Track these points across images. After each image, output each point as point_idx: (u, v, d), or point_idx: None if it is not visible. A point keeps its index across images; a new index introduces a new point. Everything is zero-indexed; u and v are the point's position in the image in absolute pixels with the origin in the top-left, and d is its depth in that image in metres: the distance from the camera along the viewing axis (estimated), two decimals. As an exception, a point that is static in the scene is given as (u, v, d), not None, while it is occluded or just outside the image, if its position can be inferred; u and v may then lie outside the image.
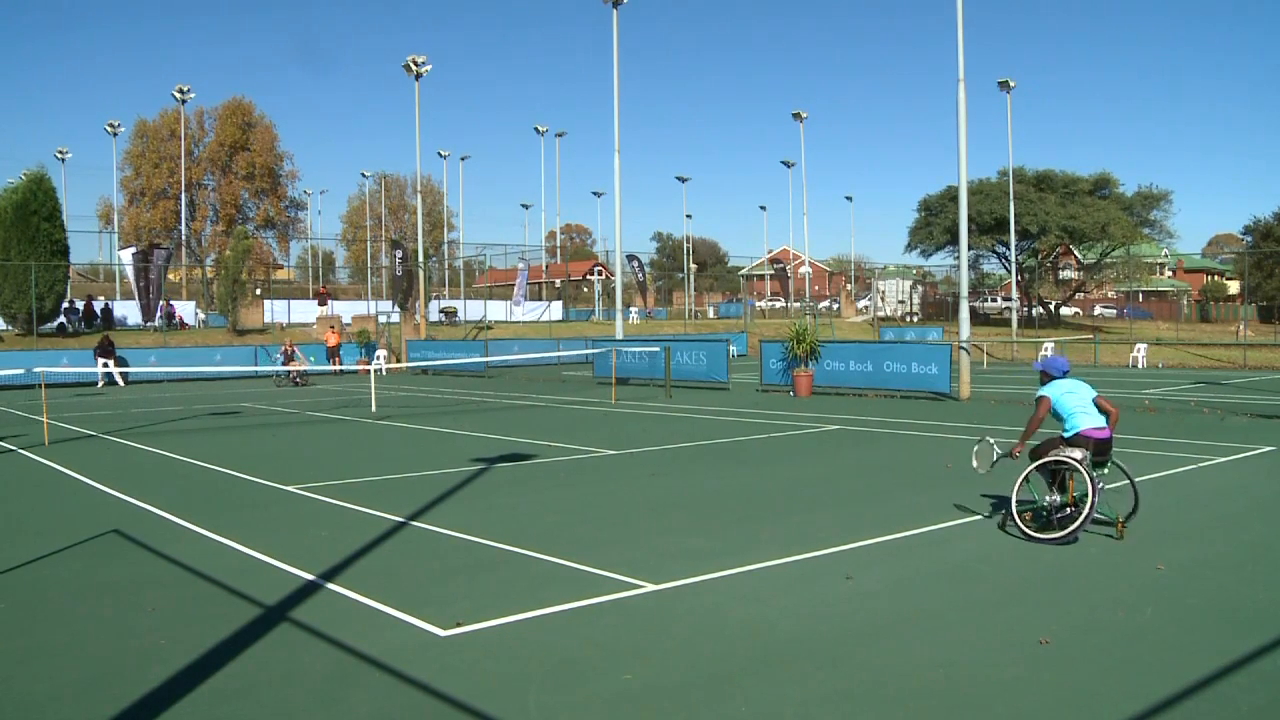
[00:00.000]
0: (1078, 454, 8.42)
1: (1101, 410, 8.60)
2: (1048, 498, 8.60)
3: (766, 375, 26.19)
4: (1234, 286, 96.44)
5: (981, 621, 6.29)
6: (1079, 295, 75.09)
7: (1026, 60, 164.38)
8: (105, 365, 30.92)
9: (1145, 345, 38.74)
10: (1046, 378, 8.95)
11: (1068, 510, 8.45)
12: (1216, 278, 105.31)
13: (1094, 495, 8.19)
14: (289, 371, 31.52)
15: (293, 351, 32.80)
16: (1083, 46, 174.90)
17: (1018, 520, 8.56)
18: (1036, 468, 8.70)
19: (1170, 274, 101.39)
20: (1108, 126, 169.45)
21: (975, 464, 9.34)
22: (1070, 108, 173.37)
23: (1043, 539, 8.28)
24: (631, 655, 5.72)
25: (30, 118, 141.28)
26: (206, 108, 74.76)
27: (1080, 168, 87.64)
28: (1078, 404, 8.60)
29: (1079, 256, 69.50)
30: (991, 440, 9.29)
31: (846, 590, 6.97)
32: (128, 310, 45.61)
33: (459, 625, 6.21)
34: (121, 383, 32.28)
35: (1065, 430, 8.62)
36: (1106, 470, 8.68)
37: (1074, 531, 8.20)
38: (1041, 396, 8.76)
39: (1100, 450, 8.50)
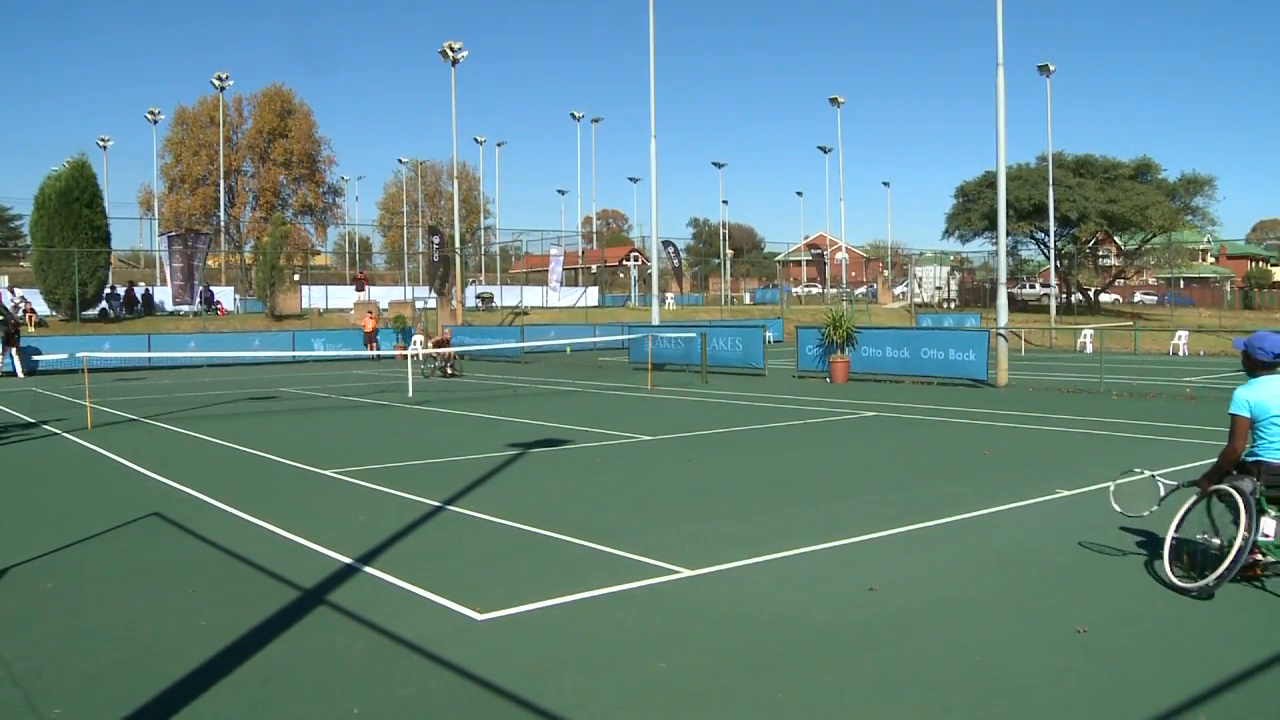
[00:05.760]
0: (1247, 484, 6.34)
1: None
2: (1208, 536, 6.53)
3: (803, 361, 26.08)
4: (1278, 273, 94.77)
5: (1018, 610, 6.23)
6: (1119, 282, 74.09)
7: (1066, 43, 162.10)
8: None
9: (1186, 332, 38.19)
10: (1251, 364, 6.54)
11: (1220, 554, 6.35)
12: (1260, 264, 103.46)
13: (1245, 537, 6.12)
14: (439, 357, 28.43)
15: (447, 339, 30.32)
16: (1123, 29, 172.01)
17: (1170, 567, 6.53)
18: (1209, 495, 6.64)
19: (1213, 260, 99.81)
20: (1149, 111, 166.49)
21: (1121, 506, 7.07)
22: (1111, 92, 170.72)
23: (1188, 588, 6.33)
24: (667, 641, 5.73)
25: (73, 107, 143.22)
26: (245, 95, 75.52)
27: (1121, 153, 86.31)
28: None
29: (1119, 243, 68.57)
30: (1155, 474, 7.16)
31: (882, 577, 6.93)
32: (168, 296, 46.17)
33: (496, 610, 6.25)
34: (21, 374, 29.78)
35: (1247, 454, 6.53)
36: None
37: (1210, 584, 6.20)
38: (1236, 416, 6.48)
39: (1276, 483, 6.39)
